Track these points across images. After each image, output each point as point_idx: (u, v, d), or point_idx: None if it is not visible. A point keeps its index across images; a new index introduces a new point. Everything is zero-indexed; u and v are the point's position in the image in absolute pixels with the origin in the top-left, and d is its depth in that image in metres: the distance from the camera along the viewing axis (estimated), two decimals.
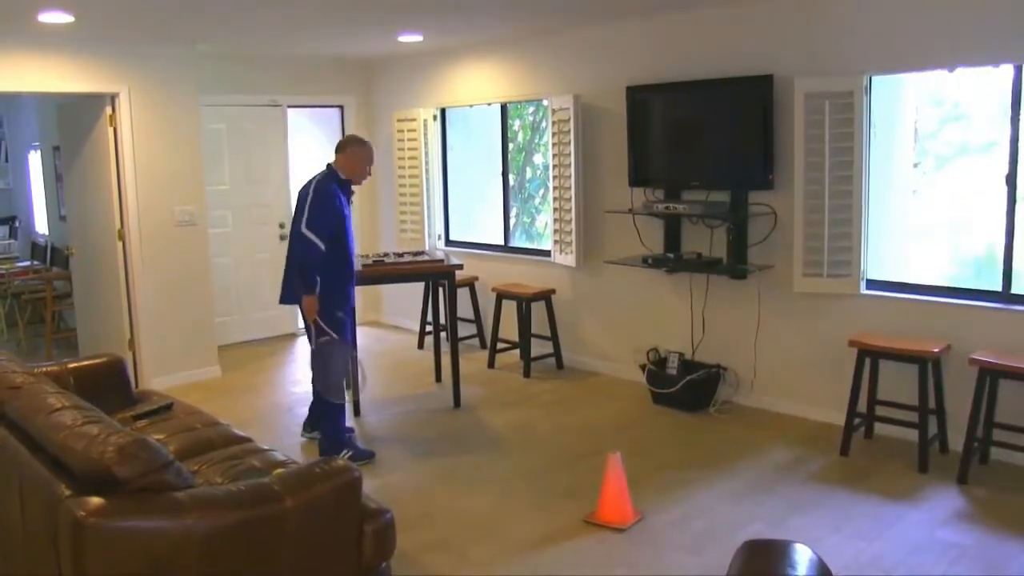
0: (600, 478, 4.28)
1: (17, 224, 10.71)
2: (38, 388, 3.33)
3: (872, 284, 5.27)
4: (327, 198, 4.92)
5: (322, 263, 4.84)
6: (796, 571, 1.87)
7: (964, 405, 4.66)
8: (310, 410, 5.43)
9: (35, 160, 9.83)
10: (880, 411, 5.11)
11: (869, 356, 4.97)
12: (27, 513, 2.89)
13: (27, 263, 9.49)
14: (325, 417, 5.06)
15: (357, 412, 5.93)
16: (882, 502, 4.34)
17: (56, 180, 8.62)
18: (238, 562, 2.69)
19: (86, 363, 4.63)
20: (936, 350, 4.75)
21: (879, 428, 5.20)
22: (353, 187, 5.15)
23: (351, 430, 5.30)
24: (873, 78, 5.10)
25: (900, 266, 5.47)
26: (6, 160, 10.63)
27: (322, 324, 4.93)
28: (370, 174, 5.22)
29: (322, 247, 4.83)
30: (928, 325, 4.99)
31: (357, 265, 5.97)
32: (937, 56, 4.83)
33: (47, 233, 9.55)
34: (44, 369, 4.30)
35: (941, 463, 4.76)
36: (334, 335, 4.93)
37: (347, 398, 4.95)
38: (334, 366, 4.93)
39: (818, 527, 4.09)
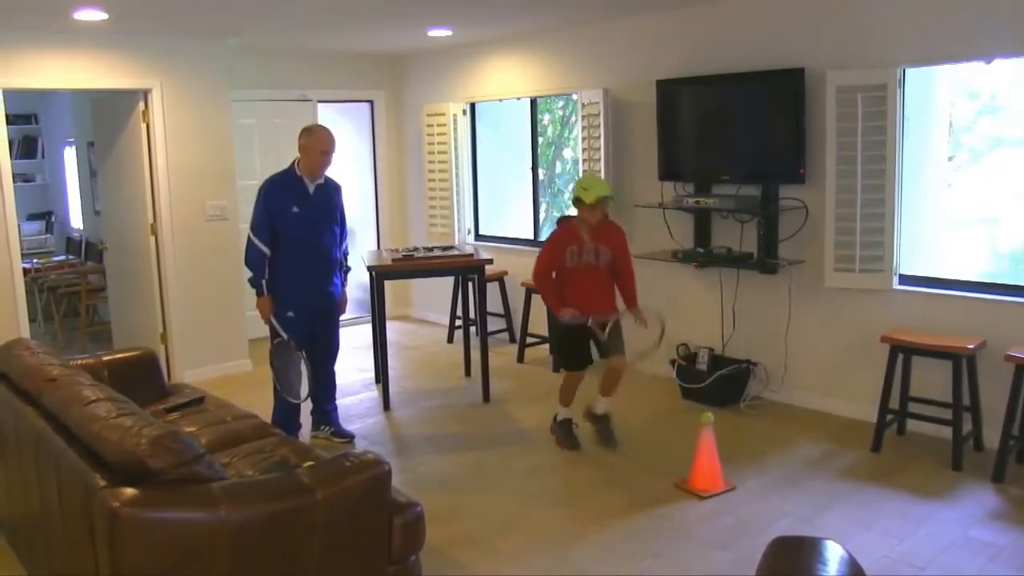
0: (628, 472, 4.27)
1: (53, 219, 10.86)
2: (74, 380, 3.39)
3: (905, 279, 5.21)
4: (259, 198, 5.00)
5: (267, 263, 4.93)
6: (827, 568, 1.85)
7: (1000, 402, 4.58)
8: (313, 409, 5.43)
9: (70, 156, 9.97)
10: (913, 408, 5.05)
11: (902, 352, 4.92)
12: (64, 502, 2.94)
13: (62, 257, 9.62)
14: (279, 406, 5.11)
15: (387, 406, 5.96)
16: (914, 499, 4.30)
17: (91, 175, 8.72)
18: (269, 553, 2.72)
19: (120, 356, 4.70)
20: (971, 346, 4.68)
21: (912, 425, 5.14)
22: (322, 179, 5.05)
23: (300, 426, 5.28)
24: (907, 70, 5.03)
25: (934, 261, 5.40)
26: (42, 156, 10.77)
27: (275, 324, 4.99)
28: (328, 162, 5.01)
29: (262, 248, 4.91)
30: (963, 321, 4.92)
31: (372, 260, 5.97)
32: (974, 47, 4.75)
33: (82, 228, 9.67)
34: (79, 361, 4.37)
35: (975, 461, 4.70)
36: (284, 335, 4.96)
37: (303, 397, 4.99)
38: (288, 366, 4.98)
39: (849, 524, 4.06)
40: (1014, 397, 4.46)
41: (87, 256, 9.21)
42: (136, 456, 2.63)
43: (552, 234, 5.02)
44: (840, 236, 5.26)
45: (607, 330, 4.82)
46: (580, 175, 4.80)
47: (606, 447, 5.09)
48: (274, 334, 5.01)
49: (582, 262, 4.86)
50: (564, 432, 5.13)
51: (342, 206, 5.25)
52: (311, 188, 5.02)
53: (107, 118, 7.08)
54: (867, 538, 3.90)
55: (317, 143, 4.95)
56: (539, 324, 7.09)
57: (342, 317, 5.43)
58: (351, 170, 8.70)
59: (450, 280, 7.66)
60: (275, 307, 4.99)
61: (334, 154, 5.03)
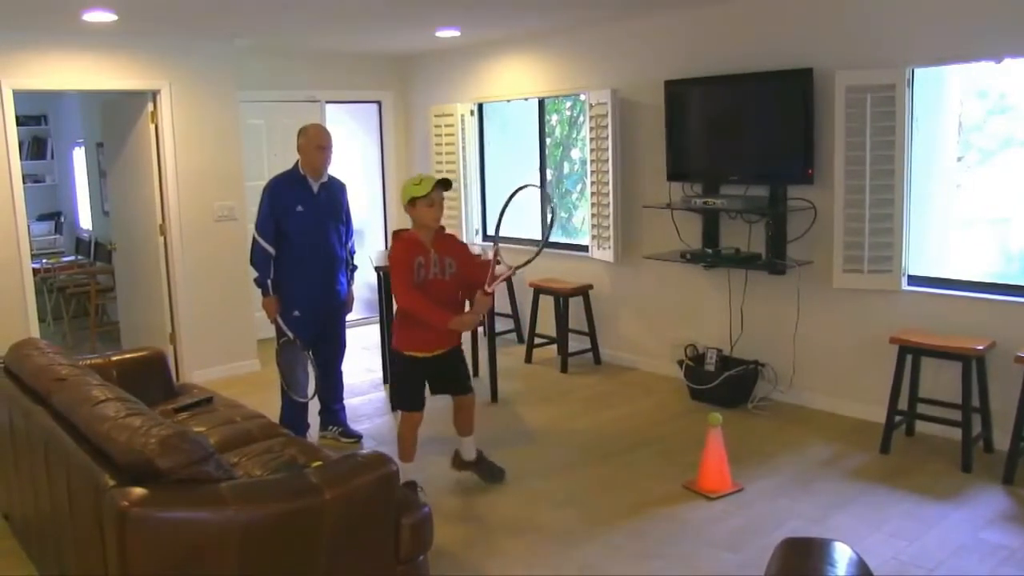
0: (637, 473, 4.27)
1: (62, 219, 10.90)
2: (83, 380, 3.40)
3: (914, 280, 5.19)
4: (263, 198, 5.02)
5: (273, 263, 4.96)
6: (836, 569, 1.85)
7: (1009, 403, 4.57)
8: (321, 409, 5.44)
9: (79, 156, 9.99)
10: (922, 409, 5.04)
11: (911, 353, 4.90)
12: (74, 501, 2.95)
13: (71, 258, 9.66)
14: (287, 406, 5.14)
15: (394, 407, 5.96)
16: (924, 501, 4.28)
17: (99, 176, 8.74)
18: (277, 553, 2.72)
19: (129, 356, 4.71)
20: (980, 347, 4.66)
21: (921, 426, 5.13)
22: (326, 178, 5.08)
23: (308, 425, 5.28)
24: (916, 70, 5.01)
25: (943, 261, 5.38)
26: (51, 157, 10.81)
27: (281, 324, 5.01)
28: (327, 157, 5.01)
29: (268, 248, 4.94)
30: (972, 322, 4.90)
31: (380, 260, 6.00)
32: (984, 47, 4.74)
33: (91, 228, 9.70)
34: (88, 361, 4.38)
35: (985, 462, 4.68)
36: (290, 334, 4.97)
37: (309, 396, 4.96)
38: (294, 365, 4.98)
39: (858, 525, 4.04)
40: None
41: (96, 256, 9.23)
42: (145, 456, 2.64)
43: (393, 252, 4.36)
44: (849, 237, 5.24)
45: (495, 281, 4.36)
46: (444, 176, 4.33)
47: (493, 483, 4.63)
48: (280, 334, 5.02)
49: (429, 276, 4.27)
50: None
51: (347, 205, 5.25)
52: (315, 187, 5.03)
53: (116, 119, 7.10)
54: (876, 539, 3.89)
55: (313, 139, 4.98)
56: (547, 324, 7.10)
57: (350, 317, 5.44)
58: (359, 171, 8.71)
59: None
60: (281, 307, 5.01)
61: (332, 149, 5.06)
